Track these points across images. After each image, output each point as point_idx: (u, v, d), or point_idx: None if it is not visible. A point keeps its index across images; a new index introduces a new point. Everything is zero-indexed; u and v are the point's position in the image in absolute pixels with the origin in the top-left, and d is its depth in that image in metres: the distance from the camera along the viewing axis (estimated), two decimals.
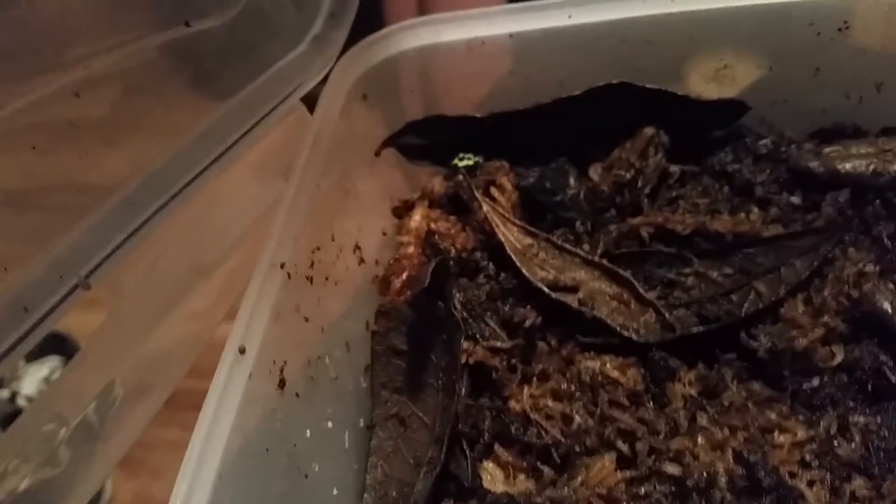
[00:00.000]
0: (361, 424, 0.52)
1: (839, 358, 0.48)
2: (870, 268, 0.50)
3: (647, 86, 0.55)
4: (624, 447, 0.47)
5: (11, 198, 0.40)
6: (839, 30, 0.54)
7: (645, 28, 0.55)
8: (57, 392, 0.45)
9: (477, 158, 0.61)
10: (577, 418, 0.49)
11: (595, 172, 0.59)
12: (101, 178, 0.42)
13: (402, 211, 0.61)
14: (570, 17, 0.55)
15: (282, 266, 0.46)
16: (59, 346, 1.08)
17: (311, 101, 0.58)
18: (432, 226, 0.57)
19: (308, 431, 0.46)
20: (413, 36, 0.58)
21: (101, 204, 0.41)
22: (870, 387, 0.47)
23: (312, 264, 0.50)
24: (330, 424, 0.49)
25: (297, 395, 0.46)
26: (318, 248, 0.51)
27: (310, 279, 0.49)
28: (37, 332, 0.39)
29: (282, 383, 0.44)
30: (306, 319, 0.48)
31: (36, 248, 0.39)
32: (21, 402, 1.07)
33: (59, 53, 0.38)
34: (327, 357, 0.50)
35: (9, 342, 0.37)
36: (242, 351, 0.42)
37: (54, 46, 0.38)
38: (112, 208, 0.42)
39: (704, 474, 0.44)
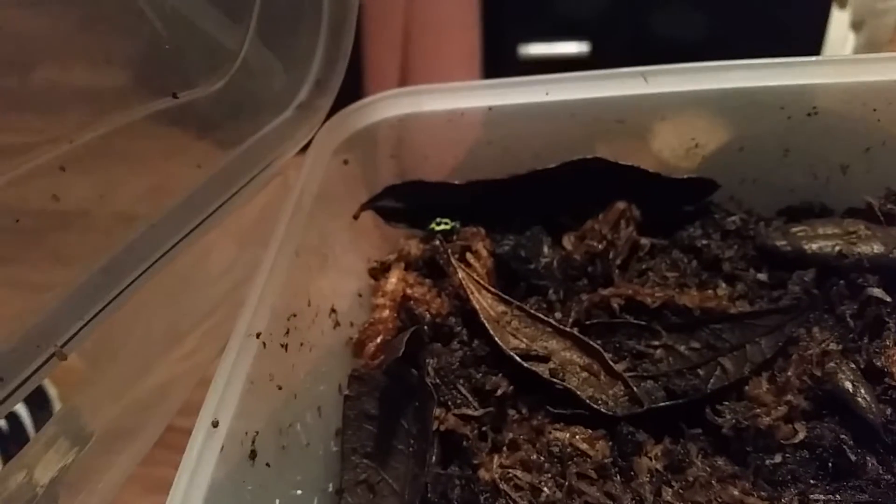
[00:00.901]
0: (330, 489, 0.52)
1: (801, 435, 0.49)
2: (833, 347, 0.51)
3: (620, 162, 0.57)
4: None
5: None
6: (808, 114, 0.56)
7: (619, 107, 0.57)
8: (34, 449, 0.45)
9: (454, 224, 0.62)
10: (546, 490, 0.49)
11: (568, 241, 0.60)
12: (82, 248, 0.43)
13: (379, 272, 0.62)
14: (546, 93, 0.57)
15: (257, 336, 0.47)
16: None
17: (293, 164, 0.59)
18: (408, 291, 0.58)
19: (277, 501, 0.47)
20: (395, 105, 0.59)
21: (79, 274, 0.42)
22: (830, 464, 0.48)
23: (288, 331, 0.51)
24: (299, 491, 0.49)
25: (268, 464, 0.46)
26: (295, 315, 0.51)
27: (285, 347, 0.50)
28: (10, 401, 0.40)
29: (253, 454, 0.45)
30: (280, 388, 0.49)
31: (13, 318, 0.39)
32: None
33: (45, 130, 0.39)
34: (299, 424, 0.50)
35: None
36: (216, 425, 0.42)
37: (41, 123, 0.39)
38: (90, 278, 0.42)
39: None
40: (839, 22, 1.23)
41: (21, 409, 1.00)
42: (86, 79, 0.44)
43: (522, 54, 1.36)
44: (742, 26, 1.30)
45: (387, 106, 0.59)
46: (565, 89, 0.57)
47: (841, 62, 0.55)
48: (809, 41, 1.23)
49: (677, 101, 0.56)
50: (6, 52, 0.38)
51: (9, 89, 0.38)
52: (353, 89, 0.61)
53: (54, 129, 0.40)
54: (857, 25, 1.24)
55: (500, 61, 1.32)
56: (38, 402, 0.95)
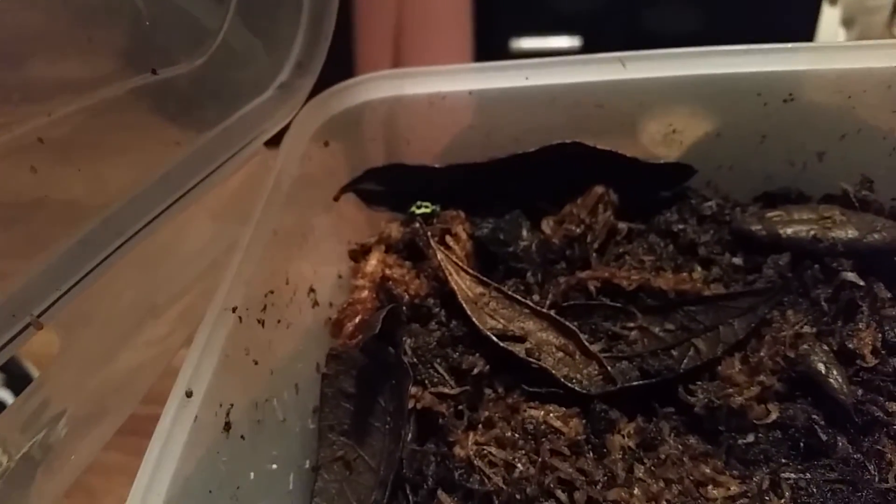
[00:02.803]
0: (306, 466, 0.52)
1: (774, 416, 0.49)
2: (807, 329, 0.52)
3: (599, 146, 0.57)
4: (563, 496, 0.48)
5: None
6: (784, 101, 0.57)
7: (597, 92, 0.57)
8: (4, 423, 0.46)
9: (434, 207, 0.62)
10: (520, 466, 0.50)
11: (547, 225, 0.61)
12: (59, 221, 0.43)
13: (359, 254, 0.62)
14: (527, 78, 0.58)
15: (233, 310, 0.47)
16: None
17: (274, 144, 0.60)
18: (387, 272, 0.58)
19: (252, 473, 0.47)
20: (377, 87, 0.60)
21: (56, 245, 0.42)
22: (802, 444, 0.48)
23: (265, 308, 0.51)
24: (274, 466, 0.50)
25: (243, 437, 0.47)
26: (272, 292, 0.52)
27: (261, 322, 0.50)
28: None
29: (227, 426, 0.45)
30: (256, 362, 0.49)
31: None
32: None
33: (24, 104, 0.39)
34: (275, 399, 0.51)
35: None
36: (189, 394, 0.43)
37: (19, 97, 0.39)
38: (67, 249, 0.43)
39: None
40: (830, 18, 1.24)
41: (5, 395, 1.00)
42: (66, 54, 0.44)
43: (514, 48, 1.36)
44: (732, 22, 1.31)
45: (368, 88, 0.60)
46: (545, 74, 0.58)
47: (817, 49, 0.56)
48: (800, 38, 1.23)
49: (655, 87, 0.57)
50: None
51: None
52: (341, 76, 0.61)
53: (33, 104, 0.40)
54: (847, 22, 1.24)
55: (491, 56, 1.33)
56: (23, 387, 0.95)
